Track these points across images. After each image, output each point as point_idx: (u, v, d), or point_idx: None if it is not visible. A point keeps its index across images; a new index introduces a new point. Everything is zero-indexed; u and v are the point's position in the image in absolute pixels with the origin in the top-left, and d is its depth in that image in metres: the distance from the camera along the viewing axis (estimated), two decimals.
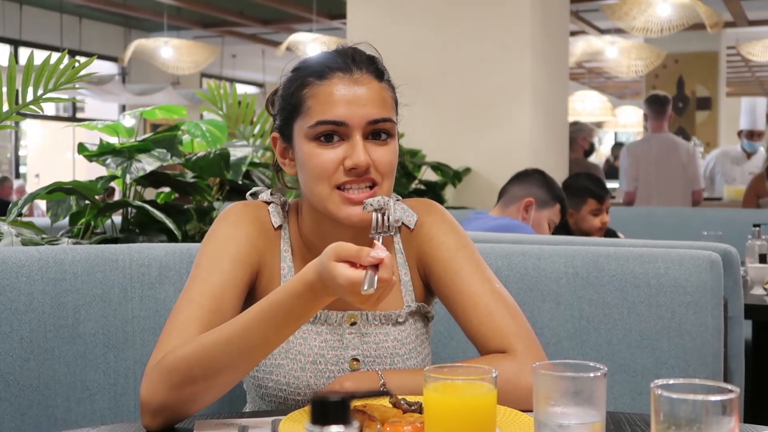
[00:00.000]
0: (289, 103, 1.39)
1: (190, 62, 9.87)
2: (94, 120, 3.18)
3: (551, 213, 3.06)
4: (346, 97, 1.34)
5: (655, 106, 6.11)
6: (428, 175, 4.69)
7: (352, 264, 1.11)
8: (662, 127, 6.12)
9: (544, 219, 3.04)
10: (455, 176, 4.57)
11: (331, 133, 1.33)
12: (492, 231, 2.63)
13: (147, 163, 2.52)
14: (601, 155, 14.62)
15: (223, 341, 1.21)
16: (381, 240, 1.18)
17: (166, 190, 2.80)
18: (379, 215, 1.23)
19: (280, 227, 1.45)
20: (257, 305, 1.21)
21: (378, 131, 1.35)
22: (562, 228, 3.71)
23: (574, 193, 3.60)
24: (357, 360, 1.39)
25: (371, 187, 1.33)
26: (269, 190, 1.50)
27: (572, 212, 3.62)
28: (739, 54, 10.68)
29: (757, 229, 3.21)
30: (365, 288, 1.08)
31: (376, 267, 1.10)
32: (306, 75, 1.38)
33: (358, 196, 1.32)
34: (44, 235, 2.23)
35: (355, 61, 1.37)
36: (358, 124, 1.33)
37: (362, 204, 1.31)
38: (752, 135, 6.87)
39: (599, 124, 13.29)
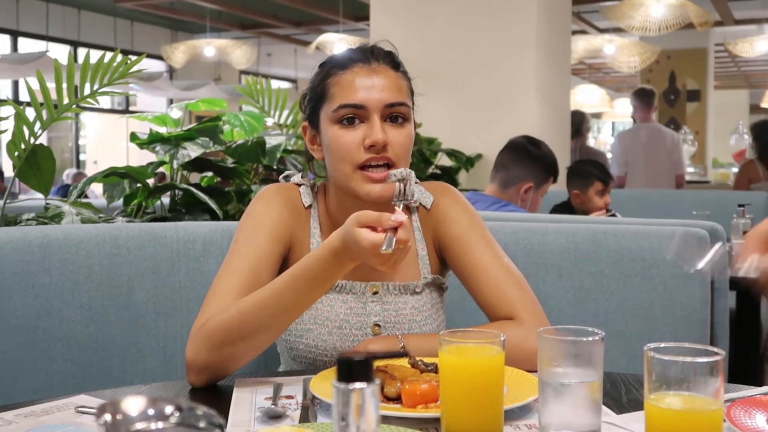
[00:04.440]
0: (315, 92, 1.40)
1: (230, 60, 9.86)
2: (145, 112, 3.19)
3: (545, 187, 3.03)
4: (365, 84, 1.34)
5: (643, 98, 6.14)
6: (443, 160, 4.67)
7: (373, 229, 1.12)
8: (649, 117, 6.13)
9: (540, 196, 3.01)
10: (468, 162, 4.55)
11: (353, 116, 1.34)
12: None
13: (192, 150, 2.53)
14: (600, 142, 14.53)
15: (259, 305, 1.21)
16: (401, 207, 1.18)
17: (209, 174, 2.81)
18: (401, 185, 1.23)
19: (309, 206, 1.45)
20: (288, 271, 1.22)
21: (395, 115, 1.35)
22: (566, 207, 3.70)
23: (582, 176, 3.61)
24: (378, 325, 1.39)
25: (388, 167, 1.33)
26: (300, 174, 1.51)
27: (579, 193, 3.62)
28: (726, 50, 10.54)
29: (742, 208, 3.19)
30: (384, 248, 1.09)
31: (395, 230, 1.11)
32: (330, 67, 1.39)
33: (377, 175, 1.32)
34: (101, 215, 2.25)
35: (373, 54, 1.38)
36: (375, 107, 1.33)
37: (381, 182, 1.32)
38: None
39: (598, 115, 13.21)
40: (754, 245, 0.83)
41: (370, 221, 1.13)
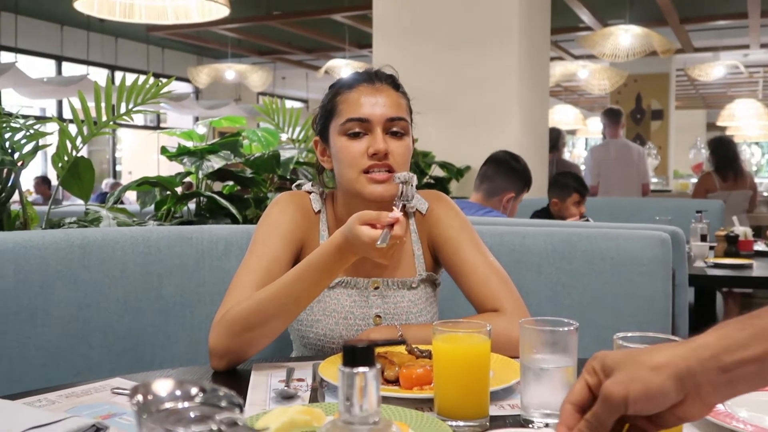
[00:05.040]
0: (326, 109, 1.41)
1: (249, 83, 9.86)
2: (174, 128, 3.19)
3: (521, 196, 3.04)
4: (369, 101, 1.35)
5: (612, 117, 6.17)
6: (437, 171, 4.67)
7: (373, 226, 1.14)
8: (618, 134, 6.15)
9: (517, 204, 3.03)
10: (458, 173, 4.55)
11: (358, 130, 1.34)
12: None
13: (215, 162, 2.52)
14: (574, 156, 14.52)
15: (272, 295, 1.22)
16: (400, 206, 1.19)
17: (230, 183, 2.81)
18: (404, 186, 1.24)
19: (319, 212, 1.45)
20: (298, 266, 1.23)
21: (394, 128, 1.36)
22: (545, 212, 3.70)
23: (562, 187, 3.62)
24: (379, 317, 1.39)
25: (389, 173, 1.33)
26: (310, 183, 1.51)
27: (557, 201, 3.62)
28: (686, 75, 10.54)
29: (700, 214, 3.19)
30: (379, 243, 1.11)
31: (391, 227, 1.13)
32: (339, 87, 1.41)
33: (379, 176, 1.33)
34: (134, 219, 2.24)
35: (377, 76, 1.40)
36: (378, 120, 1.34)
37: (383, 183, 1.32)
38: None
39: (573, 132, 13.21)
40: (566, 417, 0.74)
41: (370, 219, 1.15)
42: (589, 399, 0.74)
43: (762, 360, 0.68)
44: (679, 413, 0.70)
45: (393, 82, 1.40)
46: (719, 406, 0.99)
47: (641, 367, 0.70)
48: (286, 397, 1.07)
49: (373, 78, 1.39)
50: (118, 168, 12.87)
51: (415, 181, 1.27)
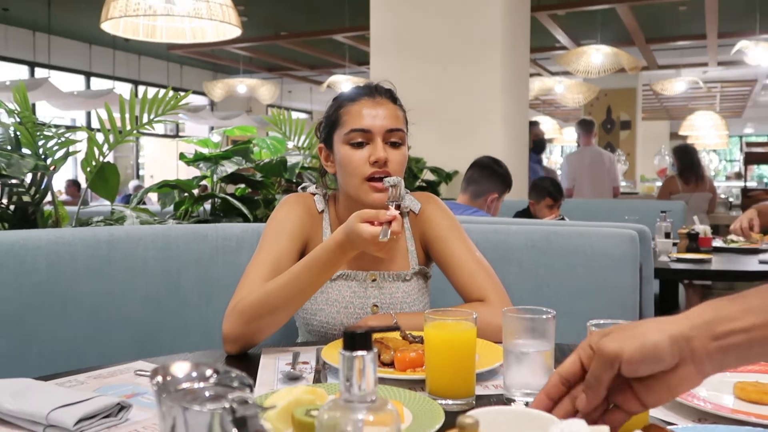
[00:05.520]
0: (330, 120, 1.40)
1: (259, 96, 9.85)
2: (191, 137, 3.19)
3: (503, 197, 3.04)
4: (370, 113, 1.34)
5: (585, 127, 6.18)
6: (428, 176, 4.67)
7: (371, 223, 1.14)
8: (590, 142, 6.16)
9: (500, 204, 3.03)
10: (447, 177, 4.55)
11: (361, 140, 1.34)
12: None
13: (228, 167, 2.52)
14: (551, 162, 14.53)
15: (280, 287, 1.21)
16: (393, 206, 1.19)
17: (242, 185, 2.81)
18: (393, 189, 1.24)
19: (322, 211, 1.45)
20: (302, 260, 1.22)
21: (393, 138, 1.35)
22: (526, 213, 3.70)
23: (539, 191, 3.61)
24: (376, 306, 1.39)
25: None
26: (314, 185, 1.50)
27: (533, 203, 3.61)
28: (651, 89, 10.57)
29: (664, 214, 3.19)
30: (381, 237, 1.12)
31: (389, 224, 1.13)
32: (343, 100, 1.40)
33: (380, 186, 1.32)
34: (155, 218, 2.24)
35: (377, 90, 1.39)
36: (378, 131, 1.33)
37: (383, 192, 1.31)
38: None
39: (550, 140, 13.19)
40: (550, 386, 0.72)
41: (369, 217, 1.15)
42: (580, 373, 0.71)
43: (749, 330, 0.67)
44: (672, 381, 0.68)
45: (391, 96, 1.40)
46: None
47: (636, 330, 0.68)
48: (292, 378, 1.07)
49: (374, 92, 1.38)
50: (140, 172, 12.85)
51: (402, 184, 1.27)
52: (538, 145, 6.00)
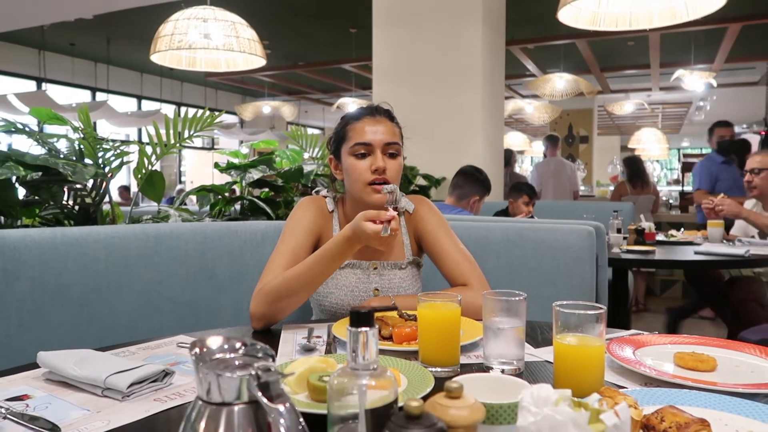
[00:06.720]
0: (338, 135, 1.40)
1: (281, 115, 9.83)
2: (224, 149, 3.18)
3: (484, 199, 3.04)
4: (371, 129, 1.34)
5: (551, 141, 6.19)
6: (420, 181, 4.66)
7: (373, 222, 1.14)
8: (555, 153, 6.16)
9: (481, 204, 3.03)
10: (436, 182, 4.54)
11: (363, 152, 1.33)
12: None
13: (255, 174, 2.52)
14: (523, 170, 14.51)
15: (297, 274, 1.21)
16: (391, 208, 1.19)
17: (266, 189, 2.80)
18: (391, 195, 1.25)
19: (332, 211, 1.44)
20: (316, 252, 1.22)
21: (390, 150, 1.35)
22: (504, 212, 3.69)
23: (517, 190, 3.62)
24: (377, 290, 1.39)
25: (386, 184, 1.33)
26: (326, 189, 1.50)
27: (512, 201, 3.61)
28: (605, 110, 10.55)
29: (616, 213, 3.18)
30: (383, 233, 1.12)
31: (389, 222, 1.13)
32: (348, 119, 1.39)
33: (379, 188, 1.32)
34: (195, 216, 2.23)
35: (377, 110, 1.38)
36: (378, 144, 1.33)
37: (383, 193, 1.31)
38: None
39: (521, 152, 13.17)
40: None
41: (372, 216, 1.15)
42: None
43: None
44: None
45: (389, 115, 1.39)
46: (630, 355, 0.98)
47: None
48: (308, 349, 1.07)
49: (374, 112, 1.37)
50: (182, 178, 12.83)
51: (398, 190, 1.28)
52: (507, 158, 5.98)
